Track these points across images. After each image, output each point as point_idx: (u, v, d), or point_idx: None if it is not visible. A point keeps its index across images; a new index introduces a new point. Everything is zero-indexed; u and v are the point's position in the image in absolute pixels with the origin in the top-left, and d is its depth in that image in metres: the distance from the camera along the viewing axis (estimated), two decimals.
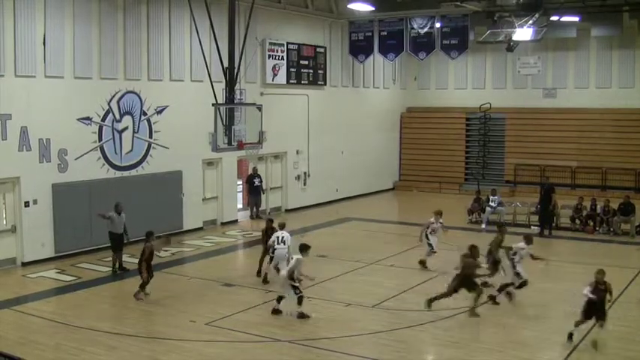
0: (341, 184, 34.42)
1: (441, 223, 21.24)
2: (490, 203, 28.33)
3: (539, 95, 36.87)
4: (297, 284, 16.09)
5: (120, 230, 20.46)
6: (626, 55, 34.80)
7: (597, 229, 26.97)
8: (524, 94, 37.04)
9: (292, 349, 14.34)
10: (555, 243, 25.63)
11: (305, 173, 32.31)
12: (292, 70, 31.02)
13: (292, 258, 16.78)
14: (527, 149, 36.26)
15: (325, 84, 33.25)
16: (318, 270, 20.32)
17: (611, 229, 26.67)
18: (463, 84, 38.87)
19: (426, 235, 21.05)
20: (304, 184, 32.31)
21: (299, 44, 31.37)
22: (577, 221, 27.35)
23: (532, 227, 27.19)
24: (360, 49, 34.47)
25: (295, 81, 31.27)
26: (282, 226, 19.27)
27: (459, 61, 35.71)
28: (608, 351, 14.09)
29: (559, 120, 35.91)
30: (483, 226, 27.76)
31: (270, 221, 20.34)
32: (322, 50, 32.87)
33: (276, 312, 16.39)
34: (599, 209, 27.26)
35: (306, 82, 31.94)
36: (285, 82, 30.68)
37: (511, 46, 31.09)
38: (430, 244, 21.02)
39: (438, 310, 16.48)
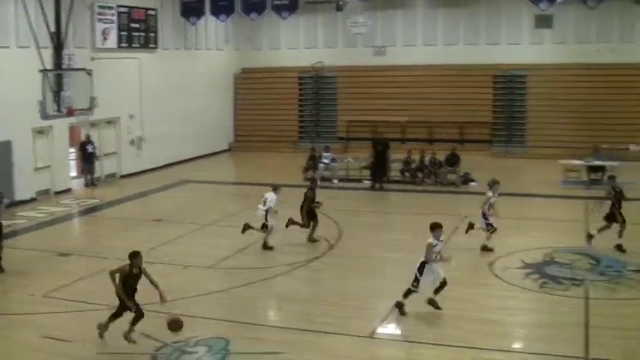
0: (177, 147, 34.07)
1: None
2: (323, 160, 29.14)
3: (369, 53, 37.80)
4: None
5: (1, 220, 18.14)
6: (451, 13, 36.24)
7: (426, 180, 28.29)
8: (355, 53, 37.82)
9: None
10: (387, 196, 26.77)
11: (139, 138, 31.89)
12: (123, 33, 30.37)
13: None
14: (359, 106, 37.16)
15: (157, 47, 32.82)
16: (154, 234, 20.55)
17: (438, 180, 28.07)
18: (296, 44, 39.27)
19: (483, 214, 18.18)
20: (139, 148, 31.95)
21: (129, 7, 30.72)
22: (406, 174, 28.58)
23: (364, 182, 28.27)
24: (191, 10, 34.20)
25: (126, 45, 30.65)
26: (274, 188, 19.07)
27: (291, 21, 35.95)
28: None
29: (389, 77, 37.03)
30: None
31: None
32: (153, 13, 32.40)
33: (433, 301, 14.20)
34: (427, 161, 28.59)
35: (138, 45, 31.41)
36: (116, 46, 29.99)
37: (340, 6, 31.87)
38: (488, 224, 18.19)
39: (273, 266, 17.02)
